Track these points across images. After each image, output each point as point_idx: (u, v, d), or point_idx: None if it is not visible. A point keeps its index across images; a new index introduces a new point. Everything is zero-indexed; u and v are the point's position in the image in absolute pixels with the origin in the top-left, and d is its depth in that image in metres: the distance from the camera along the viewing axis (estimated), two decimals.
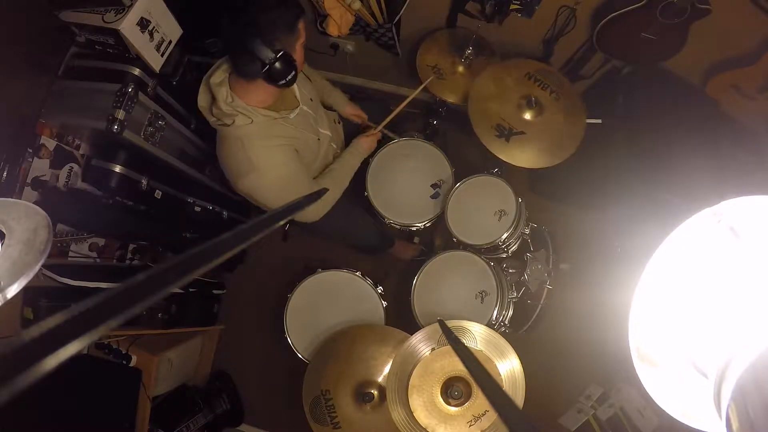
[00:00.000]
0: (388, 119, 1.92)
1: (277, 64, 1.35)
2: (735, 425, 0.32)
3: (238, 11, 1.33)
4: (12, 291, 0.72)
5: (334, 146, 1.89)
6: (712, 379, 0.37)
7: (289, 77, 1.40)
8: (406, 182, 2.01)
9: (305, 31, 1.44)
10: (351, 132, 1.98)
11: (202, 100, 1.51)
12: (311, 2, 1.98)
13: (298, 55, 1.43)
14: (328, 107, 1.95)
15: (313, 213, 1.73)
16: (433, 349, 1.58)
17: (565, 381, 2.34)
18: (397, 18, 1.96)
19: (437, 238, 2.32)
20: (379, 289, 1.93)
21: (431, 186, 2.00)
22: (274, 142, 1.51)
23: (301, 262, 2.47)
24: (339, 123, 1.98)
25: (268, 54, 1.33)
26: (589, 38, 1.92)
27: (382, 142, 2.00)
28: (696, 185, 1.68)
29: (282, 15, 1.35)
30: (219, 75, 1.46)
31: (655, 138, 1.90)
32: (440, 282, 1.88)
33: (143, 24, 1.50)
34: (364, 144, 1.86)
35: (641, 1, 1.60)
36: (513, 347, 1.56)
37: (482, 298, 1.82)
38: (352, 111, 1.98)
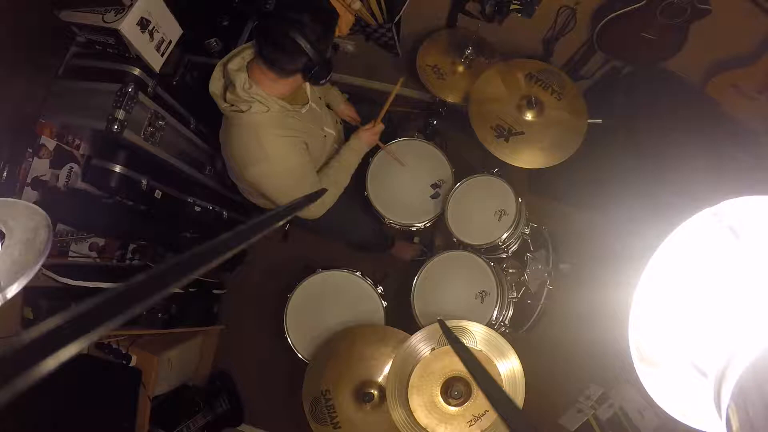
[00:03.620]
0: (381, 114, 1.86)
1: (323, 65, 1.41)
2: (735, 425, 0.32)
3: (285, 11, 1.37)
4: (12, 291, 0.72)
5: (336, 146, 1.89)
6: (712, 379, 0.37)
7: (329, 77, 1.46)
8: (406, 182, 2.01)
9: None
10: (350, 133, 1.98)
11: (215, 86, 1.50)
12: None
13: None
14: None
15: (313, 211, 1.73)
16: (433, 349, 1.58)
17: (565, 381, 2.34)
18: (397, 18, 1.96)
19: (437, 238, 2.32)
20: (379, 289, 1.93)
21: (431, 186, 2.00)
22: (287, 133, 1.53)
23: (301, 262, 2.47)
24: (340, 123, 1.98)
25: (322, 56, 1.38)
26: (589, 38, 1.92)
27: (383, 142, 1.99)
28: (696, 185, 1.68)
29: (331, 27, 1.43)
30: (237, 62, 1.46)
31: (655, 138, 1.90)
32: (440, 282, 1.88)
33: (143, 24, 1.50)
34: (363, 138, 1.83)
35: (641, 1, 1.60)
36: (513, 347, 1.56)
37: (482, 298, 1.82)
38: (347, 111, 1.97)
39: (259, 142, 1.49)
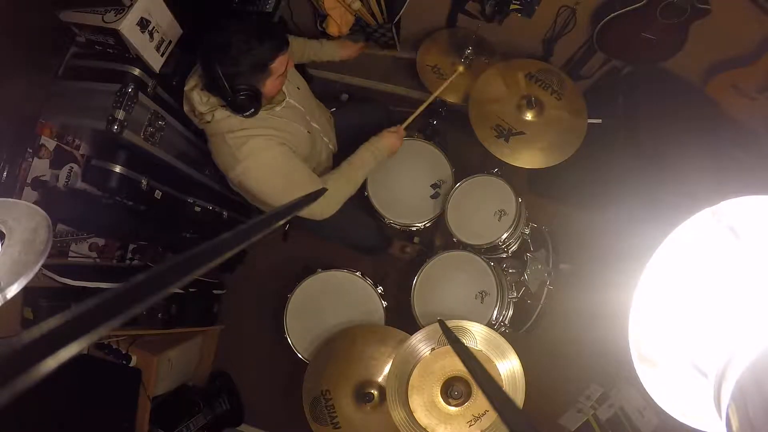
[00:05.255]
0: (411, 118, 1.83)
1: (240, 98, 1.36)
2: (735, 425, 0.32)
3: (212, 36, 1.33)
4: (12, 291, 0.72)
5: (326, 140, 1.83)
6: (712, 379, 0.37)
7: (249, 112, 1.41)
8: (406, 182, 2.01)
9: (287, 60, 1.42)
10: (349, 132, 1.97)
11: (185, 105, 1.53)
12: (311, 2, 1.98)
13: (268, 87, 1.43)
14: (325, 61, 1.93)
15: (319, 210, 1.65)
16: (433, 349, 1.58)
17: (565, 381, 2.34)
18: (397, 18, 1.96)
19: (437, 238, 2.32)
20: (379, 289, 1.93)
21: (431, 186, 2.00)
22: (253, 132, 1.49)
23: (301, 262, 2.47)
24: (330, 119, 1.95)
25: (227, 89, 1.34)
26: (589, 38, 1.92)
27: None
28: (696, 185, 1.68)
29: (255, 53, 1.34)
30: (193, 80, 1.48)
31: (655, 138, 1.90)
32: (440, 282, 1.88)
33: (143, 24, 1.50)
34: (386, 141, 1.72)
35: (641, 1, 1.60)
36: (513, 347, 1.56)
37: (482, 298, 1.82)
38: (350, 49, 1.93)
39: (228, 148, 1.48)
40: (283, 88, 1.59)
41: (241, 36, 1.32)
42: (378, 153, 1.72)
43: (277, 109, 1.54)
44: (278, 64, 1.40)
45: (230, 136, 1.47)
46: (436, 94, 1.89)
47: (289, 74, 1.60)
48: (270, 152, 1.51)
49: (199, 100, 1.44)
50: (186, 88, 1.48)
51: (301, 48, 1.92)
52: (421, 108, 1.86)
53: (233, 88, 1.34)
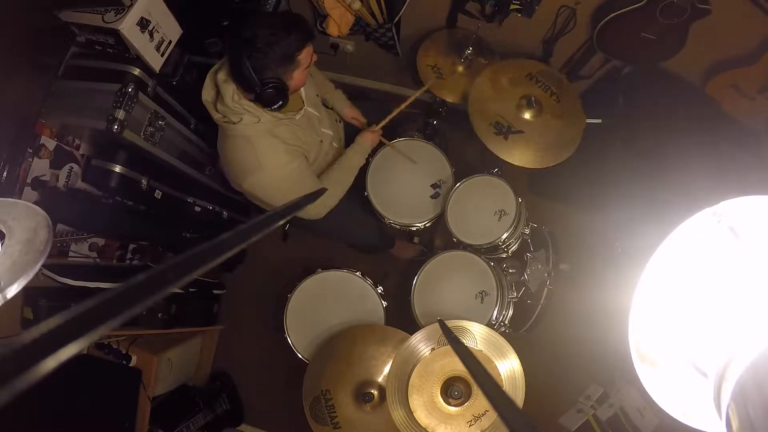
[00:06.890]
0: (387, 119, 1.89)
1: (268, 90, 1.35)
2: (735, 425, 0.32)
3: (240, 30, 1.32)
4: (12, 291, 0.72)
5: (336, 145, 1.87)
6: (712, 379, 0.37)
7: (276, 106, 1.40)
8: (406, 182, 2.01)
9: (312, 52, 1.42)
10: (351, 131, 1.98)
11: (207, 94, 1.48)
12: (311, 2, 1.98)
13: (295, 80, 1.42)
14: (328, 107, 1.94)
15: (314, 211, 1.71)
16: (433, 349, 1.58)
17: (565, 381, 2.34)
18: (397, 18, 1.96)
19: (437, 238, 2.32)
20: (379, 289, 1.93)
21: (431, 186, 2.00)
22: (280, 141, 1.51)
23: (301, 262, 2.47)
24: (339, 122, 1.97)
25: (255, 82, 1.33)
26: (589, 38, 1.92)
27: (381, 144, 1.99)
28: (696, 185, 1.68)
29: (282, 45, 1.34)
30: (224, 72, 1.43)
31: (655, 138, 1.90)
32: (440, 282, 1.88)
33: (143, 24, 1.50)
34: (367, 140, 1.84)
35: (641, 1, 1.60)
36: (513, 347, 1.56)
37: (482, 298, 1.82)
38: (352, 114, 1.96)
39: (253, 153, 1.47)
40: (303, 96, 1.61)
41: (267, 28, 1.32)
42: (363, 152, 1.84)
43: (297, 117, 1.55)
44: (304, 56, 1.40)
45: (257, 142, 1.47)
46: (408, 102, 1.87)
47: (308, 83, 1.61)
48: (292, 165, 1.54)
49: (231, 95, 1.40)
50: (219, 77, 1.42)
51: (321, 81, 1.92)
52: (395, 113, 1.88)
53: (261, 81, 1.34)
